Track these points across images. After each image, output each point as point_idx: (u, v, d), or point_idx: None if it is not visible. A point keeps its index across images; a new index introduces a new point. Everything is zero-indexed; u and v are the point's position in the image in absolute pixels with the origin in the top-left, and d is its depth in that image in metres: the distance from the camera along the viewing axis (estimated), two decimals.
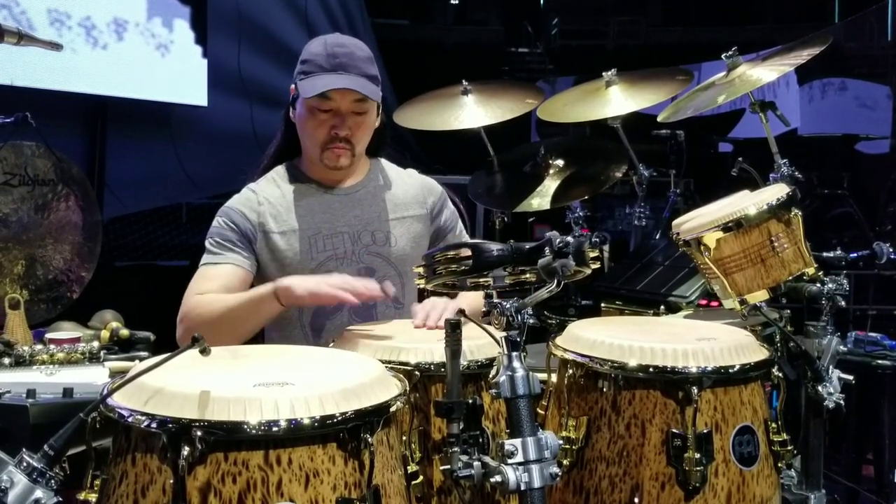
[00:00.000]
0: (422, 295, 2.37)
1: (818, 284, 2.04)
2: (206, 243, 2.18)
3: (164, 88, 5.54)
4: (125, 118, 5.31)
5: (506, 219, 3.52)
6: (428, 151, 7.00)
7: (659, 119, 2.72)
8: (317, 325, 2.19)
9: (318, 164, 2.21)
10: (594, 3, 14.16)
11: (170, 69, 5.53)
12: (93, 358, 2.27)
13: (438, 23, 14.12)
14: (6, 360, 2.18)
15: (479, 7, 14.54)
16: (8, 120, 2.67)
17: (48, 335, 2.41)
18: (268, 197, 2.22)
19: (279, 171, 2.29)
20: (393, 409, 1.38)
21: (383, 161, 2.38)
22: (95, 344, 2.36)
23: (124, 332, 2.56)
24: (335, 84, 2.10)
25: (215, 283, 2.11)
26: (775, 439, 1.78)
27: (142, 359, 2.32)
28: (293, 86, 2.22)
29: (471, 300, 2.10)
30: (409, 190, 2.34)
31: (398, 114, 3.22)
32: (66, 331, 2.53)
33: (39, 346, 2.28)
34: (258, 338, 2.20)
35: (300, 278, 1.97)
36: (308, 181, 2.26)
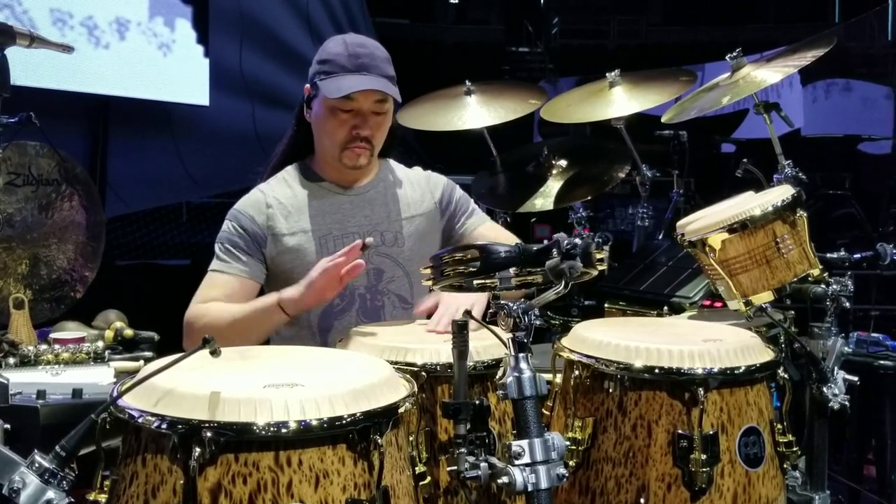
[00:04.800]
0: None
1: (823, 286, 2.04)
2: (216, 247, 2.18)
3: (166, 88, 5.54)
4: (127, 117, 5.31)
5: (508, 219, 3.52)
6: (431, 151, 7.00)
7: (663, 120, 2.72)
8: (325, 325, 2.20)
9: (336, 164, 2.22)
10: (594, 2, 14.18)
11: (171, 69, 5.54)
12: (98, 358, 2.28)
13: (439, 22, 14.13)
14: (11, 360, 2.19)
15: (480, 6, 14.56)
16: (12, 120, 2.66)
17: (52, 335, 2.41)
18: (278, 197, 2.22)
19: (290, 171, 2.29)
20: (402, 410, 1.38)
21: (391, 161, 2.39)
22: (100, 344, 2.36)
23: (128, 331, 2.56)
24: (360, 85, 2.11)
25: (221, 293, 2.13)
26: (781, 440, 1.78)
27: (146, 359, 2.32)
28: (307, 85, 2.22)
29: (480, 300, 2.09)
30: (417, 188, 2.34)
31: (401, 113, 3.22)
32: (71, 330, 2.52)
33: (44, 346, 2.28)
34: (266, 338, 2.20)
35: (297, 287, 1.98)
36: (321, 181, 2.27)
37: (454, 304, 1.97)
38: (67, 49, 1.96)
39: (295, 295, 1.97)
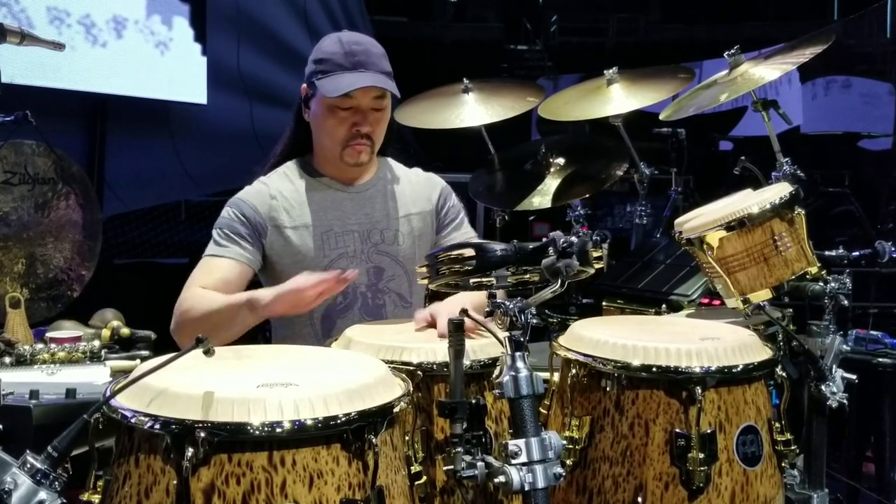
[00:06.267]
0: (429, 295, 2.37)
1: (821, 283, 2.03)
2: (214, 233, 2.17)
3: (164, 86, 5.52)
4: (124, 116, 5.29)
5: (506, 217, 3.52)
6: (428, 149, 6.99)
7: (661, 117, 2.72)
8: (327, 324, 2.20)
9: (336, 162, 2.21)
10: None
11: (169, 67, 5.51)
12: (94, 357, 2.27)
13: (437, 20, 14.11)
14: (7, 360, 2.18)
15: (478, 4, 14.54)
16: (8, 118, 2.65)
17: (49, 334, 2.40)
18: (280, 190, 2.22)
19: (291, 167, 2.29)
20: (396, 409, 1.38)
21: (390, 160, 2.38)
22: (96, 343, 2.35)
23: (125, 330, 2.55)
24: (359, 83, 2.10)
25: (215, 277, 2.11)
26: (779, 439, 1.77)
27: (143, 358, 2.32)
28: (304, 85, 2.21)
29: (474, 299, 2.07)
30: (416, 188, 2.34)
31: (399, 112, 3.21)
32: (67, 329, 2.52)
33: (40, 346, 2.27)
34: (267, 335, 2.18)
35: (269, 291, 1.95)
36: (321, 178, 2.26)
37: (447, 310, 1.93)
38: (59, 46, 1.95)
39: (265, 298, 1.93)
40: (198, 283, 2.11)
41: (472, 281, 1.65)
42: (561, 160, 3.26)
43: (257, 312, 1.95)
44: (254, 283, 2.21)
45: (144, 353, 2.48)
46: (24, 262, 2.92)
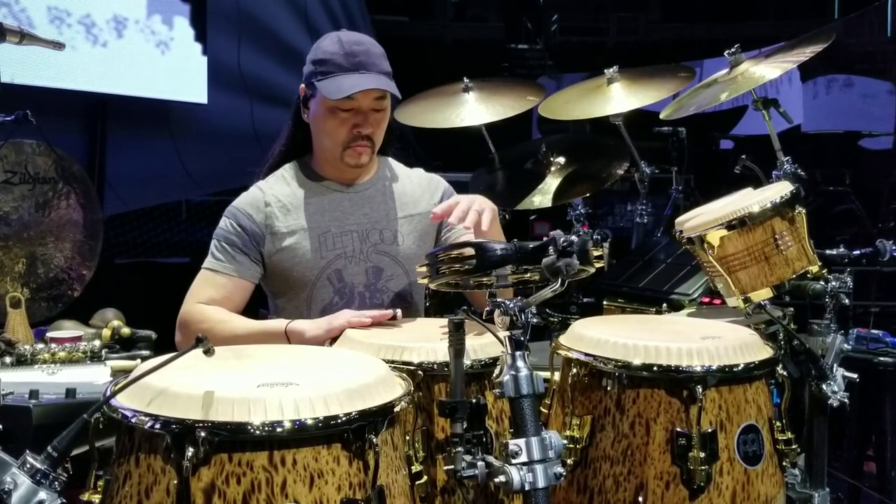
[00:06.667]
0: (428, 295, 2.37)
1: (822, 282, 2.03)
2: (212, 244, 2.18)
3: (164, 86, 5.52)
4: (125, 116, 5.29)
5: (507, 216, 3.51)
6: (429, 149, 6.98)
7: (661, 116, 2.71)
8: None
9: (337, 163, 2.21)
10: None
11: (170, 66, 5.51)
12: (94, 357, 2.27)
13: (438, 19, 14.09)
14: (7, 359, 2.18)
15: (479, 4, 14.52)
16: (8, 118, 2.65)
17: (49, 334, 2.40)
18: (276, 195, 2.21)
19: (289, 169, 2.28)
20: (397, 409, 1.38)
21: (391, 160, 2.38)
22: (97, 343, 2.35)
23: (126, 330, 2.55)
24: (361, 85, 2.10)
25: (218, 293, 2.12)
26: (780, 438, 1.77)
27: (143, 357, 2.32)
28: (303, 85, 2.21)
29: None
30: (417, 188, 2.34)
31: (399, 111, 3.21)
32: (68, 329, 2.52)
33: (41, 345, 2.27)
34: None
35: (312, 323, 1.99)
36: (320, 179, 2.26)
37: (470, 197, 1.97)
38: (59, 46, 1.95)
39: (306, 331, 1.97)
40: (200, 298, 2.12)
41: (472, 280, 1.65)
42: (561, 159, 3.26)
43: (295, 340, 1.99)
44: (256, 292, 2.21)
45: (145, 352, 2.48)
46: (25, 262, 2.92)
